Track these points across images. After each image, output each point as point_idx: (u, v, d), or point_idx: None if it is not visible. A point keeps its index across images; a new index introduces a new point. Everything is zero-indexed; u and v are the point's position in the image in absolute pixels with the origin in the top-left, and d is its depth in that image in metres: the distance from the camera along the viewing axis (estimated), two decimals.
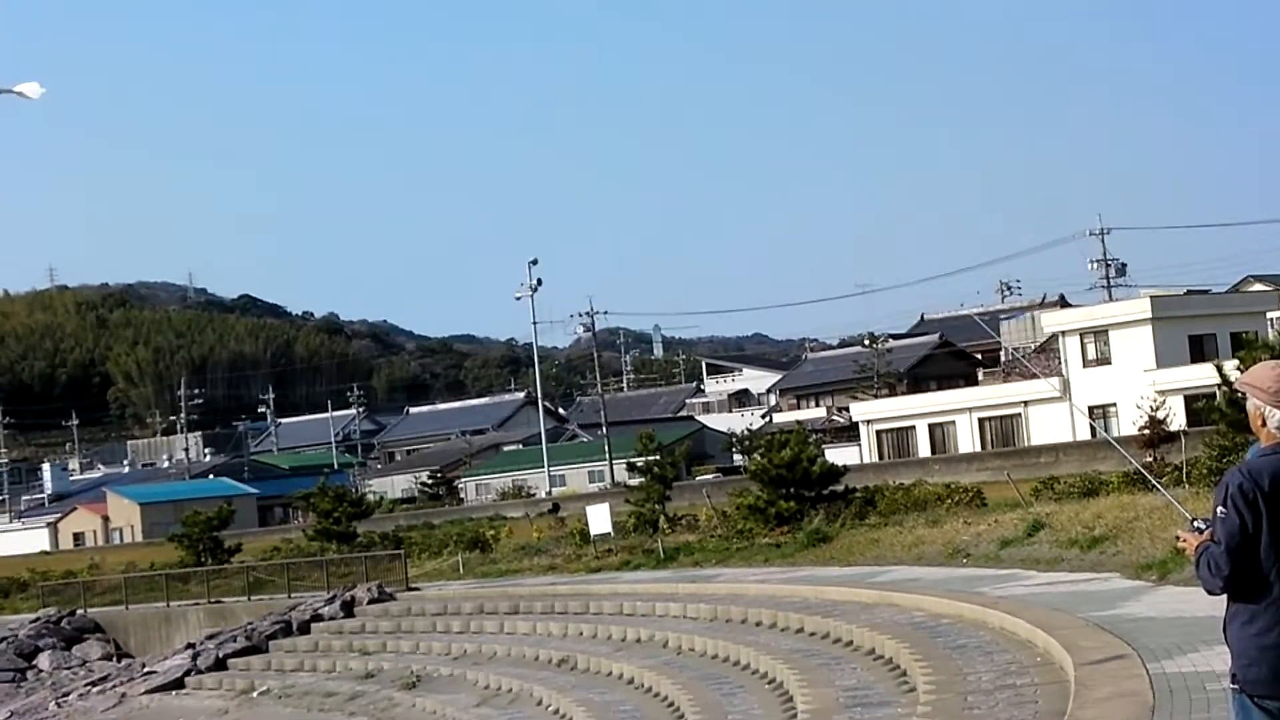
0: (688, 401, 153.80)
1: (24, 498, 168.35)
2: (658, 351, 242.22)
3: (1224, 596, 7.90)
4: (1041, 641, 20.44)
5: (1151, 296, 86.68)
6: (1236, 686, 7.83)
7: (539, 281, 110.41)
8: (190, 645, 53.49)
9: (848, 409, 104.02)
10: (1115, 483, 39.41)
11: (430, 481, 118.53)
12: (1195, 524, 7.98)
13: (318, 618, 51.62)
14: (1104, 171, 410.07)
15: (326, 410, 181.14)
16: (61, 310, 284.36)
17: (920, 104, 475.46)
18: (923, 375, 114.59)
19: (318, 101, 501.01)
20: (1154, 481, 11.86)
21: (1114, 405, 77.48)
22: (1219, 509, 7.74)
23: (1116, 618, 21.13)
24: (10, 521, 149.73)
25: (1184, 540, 8.03)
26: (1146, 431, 51.42)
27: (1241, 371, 10.67)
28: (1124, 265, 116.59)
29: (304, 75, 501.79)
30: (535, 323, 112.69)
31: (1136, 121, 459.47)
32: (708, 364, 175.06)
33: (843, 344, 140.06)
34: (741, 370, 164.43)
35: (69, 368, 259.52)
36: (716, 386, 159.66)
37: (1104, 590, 25.19)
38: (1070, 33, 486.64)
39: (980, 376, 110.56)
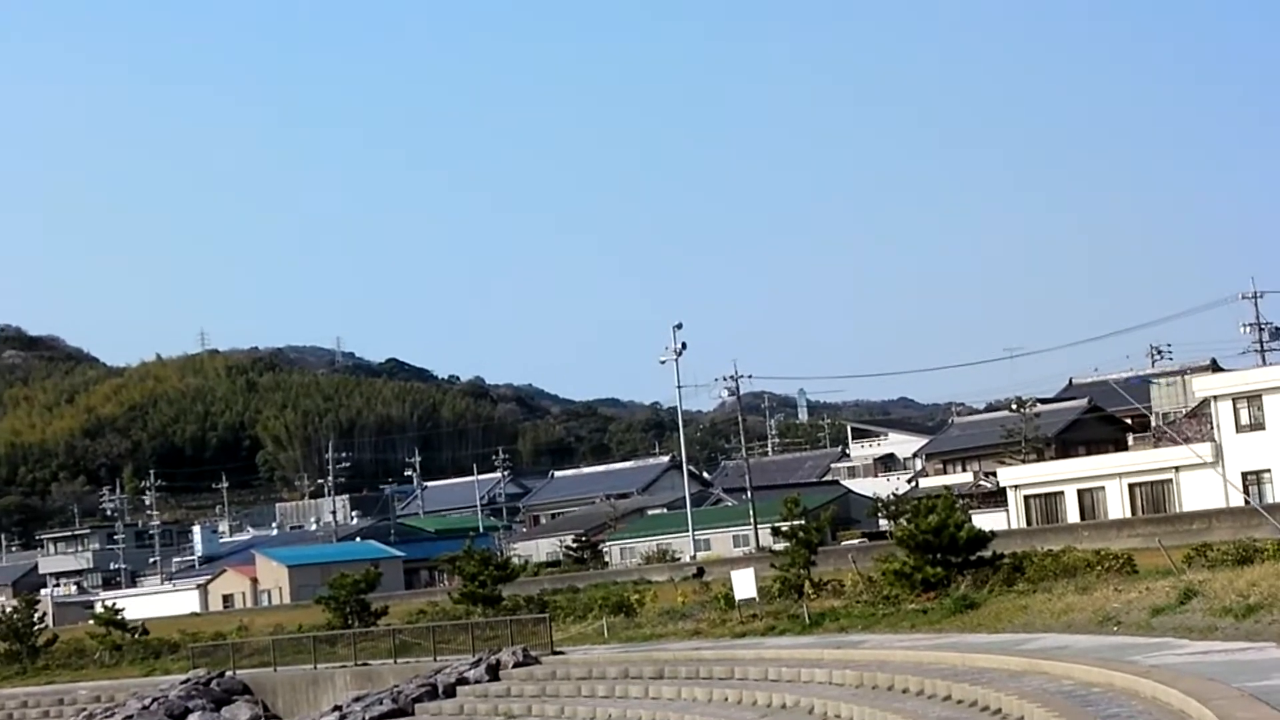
0: (833, 466, 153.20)
1: (175, 559, 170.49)
2: (802, 415, 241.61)
3: None
4: (1195, 712, 20.10)
5: None
6: None
7: (683, 345, 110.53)
8: (337, 708, 53.84)
9: (995, 474, 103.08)
10: (1271, 550, 38.74)
11: (575, 545, 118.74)
12: None
13: (463, 681, 51.82)
14: (1256, 234, 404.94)
15: (472, 473, 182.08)
16: (212, 374, 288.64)
17: (1072, 169, 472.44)
18: (1071, 440, 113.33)
19: (458, 167, 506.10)
20: None
21: (1268, 471, 76.26)
22: None
23: (1273, 689, 20.74)
24: (161, 583, 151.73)
25: None
26: None
27: None
28: (1278, 329, 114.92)
29: (444, 145, 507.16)
30: (680, 386, 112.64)
31: None
32: (853, 428, 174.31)
33: (990, 408, 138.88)
34: (887, 434, 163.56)
35: (219, 431, 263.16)
36: (862, 451, 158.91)
37: (1260, 660, 24.74)
38: (1221, 97, 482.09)
39: (1130, 442, 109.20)
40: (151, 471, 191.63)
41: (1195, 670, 24.09)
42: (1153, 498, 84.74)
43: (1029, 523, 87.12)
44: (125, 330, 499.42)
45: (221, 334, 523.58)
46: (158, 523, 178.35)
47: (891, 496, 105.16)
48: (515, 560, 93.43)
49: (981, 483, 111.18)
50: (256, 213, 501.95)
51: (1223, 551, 41.82)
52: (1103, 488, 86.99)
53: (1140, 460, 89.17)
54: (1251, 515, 60.08)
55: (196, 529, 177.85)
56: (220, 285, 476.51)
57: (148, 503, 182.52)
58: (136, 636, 79.95)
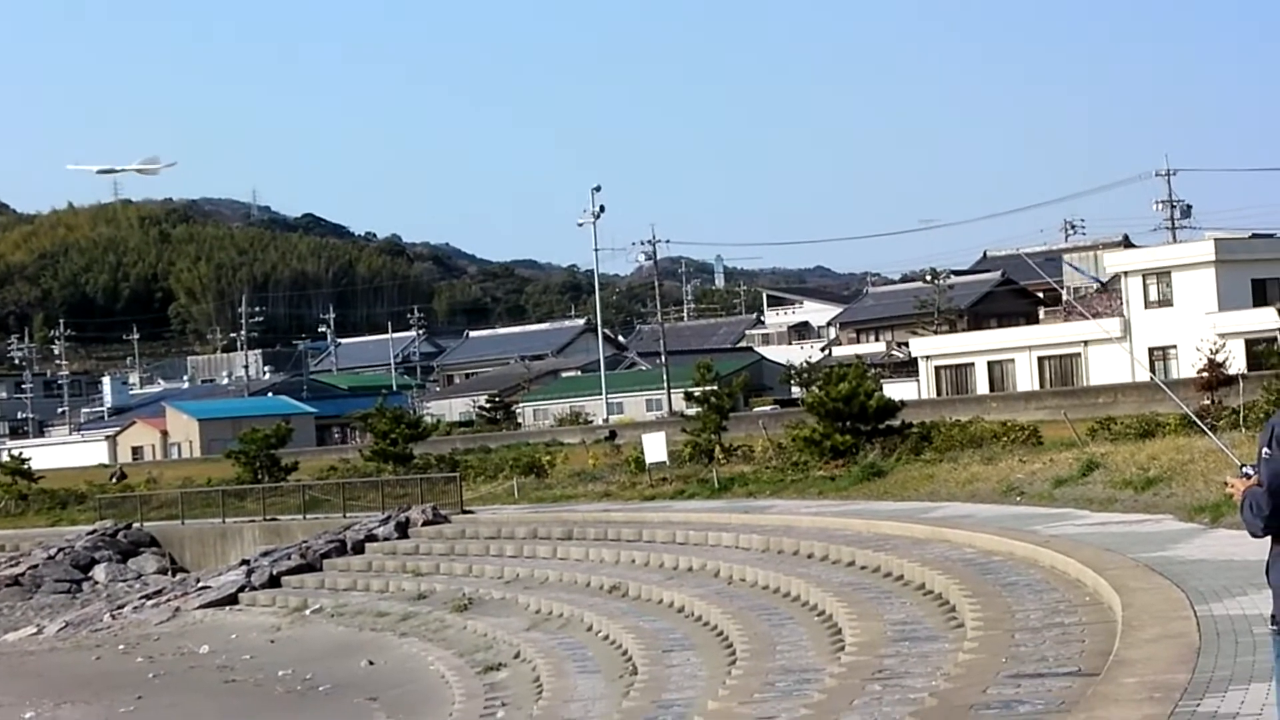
0: (747, 332, 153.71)
1: (84, 410, 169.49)
2: (719, 281, 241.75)
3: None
4: (1091, 581, 20.43)
5: (1215, 239, 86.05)
6: (1276, 628, 7.86)
7: (602, 208, 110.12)
8: (245, 562, 53.88)
9: (907, 344, 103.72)
10: (1172, 425, 39.19)
11: (488, 405, 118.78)
12: (1244, 470, 7.99)
13: (372, 538, 51.94)
14: (1172, 113, 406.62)
15: (387, 331, 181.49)
16: (125, 224, 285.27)
17: (991, 41, 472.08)
18: (984, 312, 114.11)
19: (387, 24, 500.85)
20: (1204, 428, 11.81)
21: (1174, 347, 77.04)
22: (1264, 450, 7.75)
23: (1167, 559, 21.10)
24: (70, 434, 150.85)
25: (1232, 485, 8.04)
26: (1205, 374, 51.14)
27: None
28: (1189, 207, 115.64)
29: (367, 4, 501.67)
30: (597, 249, 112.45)
31: (1206, 63, 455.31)
32: (768, 295, 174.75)
33: (904, 279, 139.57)
34: (802, 302, 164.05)
35: (131, 282, 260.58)
36: (776, 318, 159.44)
37: (1156, 532, 25.15)
38: None
39: (1041, 315, 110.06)
40: (61, 321, 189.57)
41: (1093, 540, 24.46)
42: (1061, 371, 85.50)
43: (939, 393, 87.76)
44: (36, 177, 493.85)
45: (135, 184, 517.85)
46: (66, 373, 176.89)
47: (804, 364, 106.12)
48: (428, 419, 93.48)
49: (894, 352, 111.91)
50: (172, 58, 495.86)
51: (1126, 425, 42.30)
52: (1013, 360, 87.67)
53: (1050, 334, 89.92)
54: (1156, 390, 60.72)
55: (106, 380, 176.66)
56: (134, 133, 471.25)
57: (57, 352, 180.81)
58: (114, 481, 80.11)
